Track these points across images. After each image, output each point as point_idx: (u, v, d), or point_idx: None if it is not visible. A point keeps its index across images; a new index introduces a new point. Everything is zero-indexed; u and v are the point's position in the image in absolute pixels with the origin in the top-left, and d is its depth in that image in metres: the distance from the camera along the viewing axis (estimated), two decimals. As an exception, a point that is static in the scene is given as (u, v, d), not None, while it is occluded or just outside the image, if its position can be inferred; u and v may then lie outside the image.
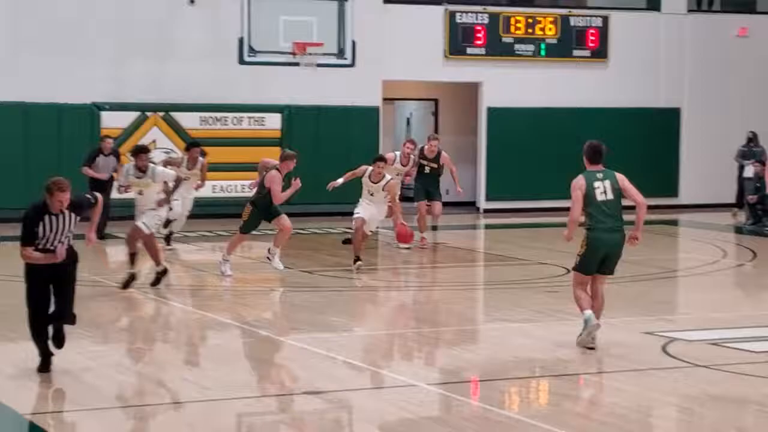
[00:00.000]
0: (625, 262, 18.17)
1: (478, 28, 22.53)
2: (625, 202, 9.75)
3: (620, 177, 9.39)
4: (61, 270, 7.59)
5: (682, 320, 13.04)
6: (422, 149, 17.61)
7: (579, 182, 9.15)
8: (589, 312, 9.22)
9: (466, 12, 22.70)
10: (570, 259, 13.96)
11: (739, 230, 22.08)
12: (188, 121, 20.60)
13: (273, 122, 21.22)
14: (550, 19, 23.11)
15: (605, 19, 23.58)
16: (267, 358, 10.62)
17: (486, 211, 23.26)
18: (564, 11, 23.68)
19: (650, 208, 25.14)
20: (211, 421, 7.79)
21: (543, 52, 22.93)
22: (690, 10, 24.78)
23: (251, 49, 20.54)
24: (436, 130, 23.81)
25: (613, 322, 11.46)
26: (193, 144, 16.02)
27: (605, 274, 9.53)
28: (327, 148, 21.51)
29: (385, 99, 22.55)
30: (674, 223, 22.84)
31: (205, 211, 19.54)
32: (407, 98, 25.50)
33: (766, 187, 21.70)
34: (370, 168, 14.40)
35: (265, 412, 8.11)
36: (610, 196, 9.09)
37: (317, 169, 20.60)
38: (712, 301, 14.58)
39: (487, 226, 22.70)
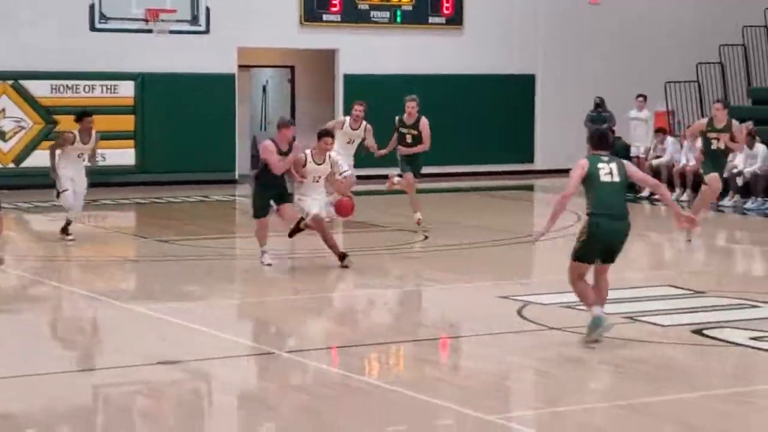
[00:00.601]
0: (481, 228, 19.36)
1: None
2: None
3: (627, 163, 10.02)
4: None
5: (537, 284, 14.86)
6: (401, 117, 18.40)
7: (581, 162, 9.62)
8: (598, 310, 9.65)
9: None
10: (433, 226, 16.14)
11: None
12: (39, 89, 22.32)
13: (126, 90, 23.09)
14: None
15: None
16: (122, 328, 11.44)
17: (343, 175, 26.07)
18: None
19: (506, 173, 25.31)
20: (67, 392, 8.79)
21: (399, 19, 25.27)
22: None
23: (102, 16, 22.05)
24: (292, 98, 26.95)
25: (469, 287, 13.35)
26: (84, 114, 15.87)
27: (607, 263, 9.84)
28: (182, 116, 23.58)
29: (240, 66, 24.45)
30: (530, 188, 25.69)
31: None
32: (263, 65, 27.11)
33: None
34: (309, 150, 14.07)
35: (121, 383, 8.88)
36: (616, 178, 9.51)
37: (173, 137, 23.56)
38: (565, 265, 18.38)
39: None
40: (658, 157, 23.37)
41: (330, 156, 13.86)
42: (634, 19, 27.68)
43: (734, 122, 16.33)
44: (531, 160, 27.26)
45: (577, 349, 10.79)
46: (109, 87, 23.21)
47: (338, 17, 25.06)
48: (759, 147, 22.01)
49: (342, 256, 13.42)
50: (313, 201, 13.29)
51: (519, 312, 11.92)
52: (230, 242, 18.38)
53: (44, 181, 19.07)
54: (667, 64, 26.57)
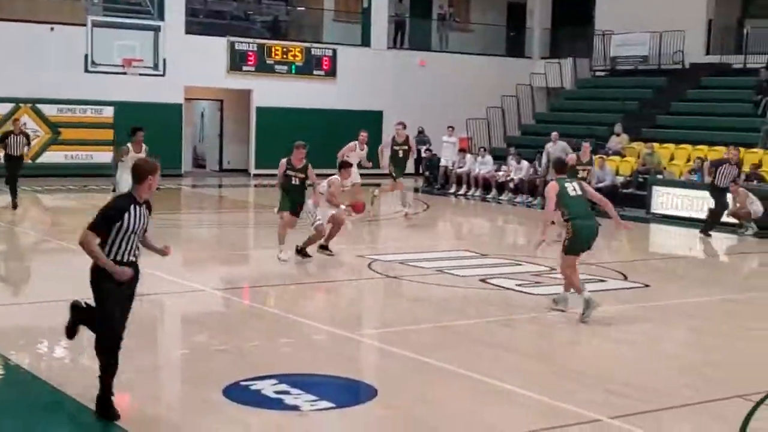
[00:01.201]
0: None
1: (250, 53, 26.48)
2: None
3: (584, 183, 10.41)
4: None
5: (383, 248, 16.10)
6: (393, 137, 18.82)
7: (553, 186, 9.77)
8: (588, 294, 9.64)
9: (242, 42, 26.65)
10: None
11: (417, 191, 25.26)
12: (49, 111, 23.82)
13: (108, 113, 24.45)
14: (299, 49, 27.46)
15: (335, 51, 27.97)
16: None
17: (255, 175, 26.87)
18: (307, 44, 27.80)
19: (362, 176, 25.74)
20: (37, 323, 9.31)
21: (294, 71, 27.16)
22: (389, 47, 29.33)
23: (93, 62, 23.63)
24: (221, 121, 28.35)
25: (337, 249, 13.72)
26: (137, 128, 14.88)
27: (585, 251, 10.00)
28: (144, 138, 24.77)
29: (186, 99, 25.88)
30: (377, 185, 24.37)
31: (59, 172, 22.97)
32: (202, 99, 28.28)
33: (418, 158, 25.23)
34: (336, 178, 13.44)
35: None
36: (579, 192, 9.72)
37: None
38: (403, 236, 17.80)
39: (255, 185, 25.94)
40: (461, 167, 24.53)
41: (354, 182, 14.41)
42: (447, 75, 29.15)
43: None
44: (377, 164, 25.94)
45: (404, 288, 12.21)
46: (96, 110, 24.59)
47: (253, 68, 26.68)
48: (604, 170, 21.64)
49: (325, 247, 12.96)
50: (323, 214, 12.69)
51: (369, 266, 13.17)
52: (176, 216, 19.06)
53: (51, 172, 22.10)
54: (467, 106, 27.73)
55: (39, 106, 23.95)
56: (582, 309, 9.47)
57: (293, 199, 12.43)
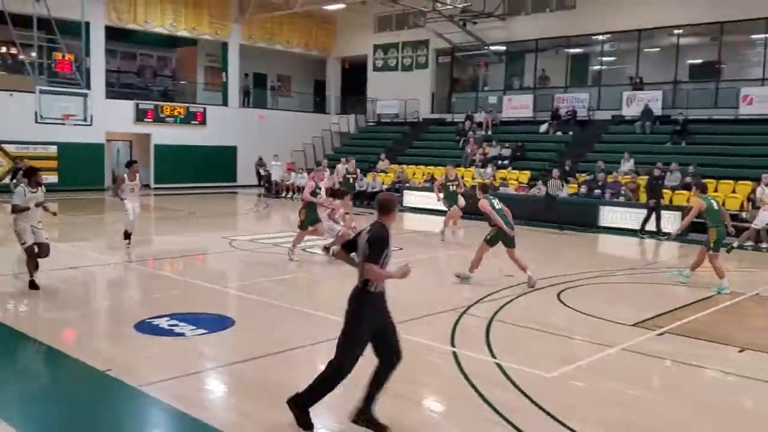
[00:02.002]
0: (223, 211, 20.55)
1: (150, 110, 27.47)
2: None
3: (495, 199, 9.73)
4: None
5: (240, 231, 16.36)
6: (347, 169, 18.28)
7: (485, 203, 9.48)
8: (530, 272, 9.35)
9: (144, 103, 27.57)
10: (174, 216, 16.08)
11: (260, 196, 25.78)
12: (10, 147, 23.60)
13: (52, 150, 24.63)
14: (182, 107, 28.29)
15: (205, 108, 29.07)
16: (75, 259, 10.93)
17: (154, 188, 26.98)
18: (187, 104, 28.76)
19: (221, 186, 28.75)
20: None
21: (179, 121, 28.26)
22: (240, 106, 30.74)
23: (41, 117, 22.02)
24: (131, 155, 27.40)
25: (208, 235, 14.11)
26: (133, 161, 12.69)
27: (510, 247, 9.58)
28: (79, 161, 24.87)
29: (107, 140, 26.32)
30: (235, 193, 27.08)
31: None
32: (117, 140, 28.41)
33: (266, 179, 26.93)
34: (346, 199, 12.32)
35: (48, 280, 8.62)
36: (500, 206, 9.60)
37: (75, 171, 24.54)
38: (253, 224, 18.39)
39: (155, 195, 24.84)
40: (288, 180, 25.51)
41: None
42: (278, 123, 30.85)
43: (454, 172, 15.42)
44: (234, 180, 29.79)
45: (252, 256, 11.88)
46: (44, 148, 24.43)
47: (151, 120, 27.54)
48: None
49: (329, 249, 11.35)
50: (337, 225, 11.47)
51: (230, 243, 13.13)
52: (100, 215, 18.79)
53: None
54: (290, 142, 29.65)
55: (3, 144, 23.79)
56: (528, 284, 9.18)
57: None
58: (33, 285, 8.32)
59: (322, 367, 4.79)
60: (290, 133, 30.09)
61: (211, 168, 28.68)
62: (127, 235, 11.82)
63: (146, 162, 27.60)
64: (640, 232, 16.51)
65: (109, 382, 5.55)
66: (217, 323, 7.29)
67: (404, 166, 24.57)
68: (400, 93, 29.70)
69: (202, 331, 6.99)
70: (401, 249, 11.73)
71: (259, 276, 10.14)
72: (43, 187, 8.68)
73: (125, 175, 11.86)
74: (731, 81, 22.48)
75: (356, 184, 19.39)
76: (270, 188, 26.67)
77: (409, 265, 4.36)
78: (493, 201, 9.46)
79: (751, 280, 11.61)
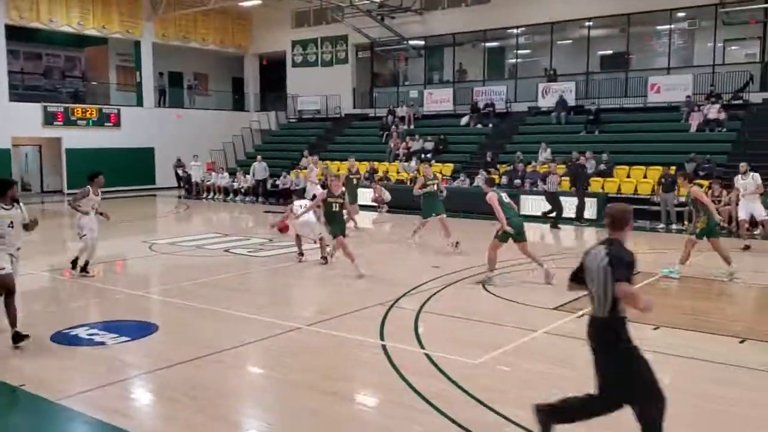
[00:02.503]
0: (145, 214, 20.23)
1: (59, 112, 26.59)
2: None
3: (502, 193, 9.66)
4: None
5: (160, 235, 16.00)
6: (349, 170, 16.96)
7: (493, 196, 9.39)
8: (490, 273, 9.27)
9: (53, 105, 26.66)
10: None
11: (180, 197, 25.16)
12: None
13: None
14: (94, 109, 27.63)
15: (119, 109, 28.28)
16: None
17: (68, 194, 24.62)
18: (99, 106, 27.99)
19: (139, 189, 27.22)
20: None
21: (91, 123, 27.49)
22: (156, 106, 29.96)
23: None
24: (41, 160, 27.65)
25: (127, 240, 13.67)
26: (97, 172, 10.20)
27: (520, 241, 9.48)
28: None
29: (13, 145, 25.53)
30: (154, 195, 26.56)
31: None
32: (26, 144, 27.93)
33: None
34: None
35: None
36: (508, 200, 9.60)
37: None
38: (173, 226, 18.19)
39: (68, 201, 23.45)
40: (208, 181, 25.24)
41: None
42: (195, 123, 30.25)
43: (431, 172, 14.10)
44: (153, 182, 29.22)
45: (173, 259, 11.81)
46: None
47: (62, 123, 26.71)
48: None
49: (326, 258, 10.98)
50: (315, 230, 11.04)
51: (150, 247, 13.04)
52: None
53: None
54: (209, 142, 29.01)
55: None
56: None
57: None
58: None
59: (252, 370, 4.75)
60: (209, 133, 29.74)
61: (128, 171, 27.79)
62: (83, 265, 10.00)
63: (58, 167, 27.32)
64: (579, 220, 16.97)
65: (24, 398, 5.38)
66: (139, 330, 7.18)
67: (328, 162, 23.90)
68: (321, 89, 29.64)
69: (124, 339, 6.88)
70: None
71: (182, 279, 9.95)
72: (20, 204, 6.84)
73: (89, 188, 9.96)
74: (639, 71, 23.44)
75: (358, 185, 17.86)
76: (190, 189, 26.30)
77: (650, 300, 3.86)
78: (501, 195, 9.43)
79: (662, 260, 12.21)
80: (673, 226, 16.70)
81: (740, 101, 21.50)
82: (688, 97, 21.65)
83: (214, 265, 11.08)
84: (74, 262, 10.02)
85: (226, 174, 25.61)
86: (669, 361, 6.38)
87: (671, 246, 14.01)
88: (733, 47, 23.55)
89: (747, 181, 13.71)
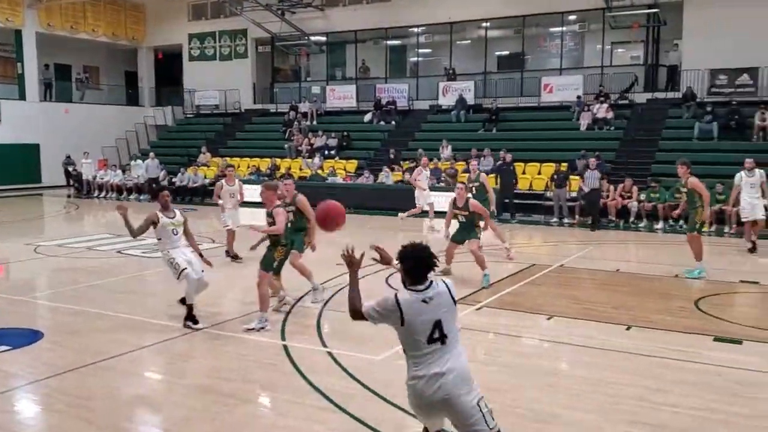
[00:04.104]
0: (27, 210, 20.14)
1: None
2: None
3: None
4: None
5: (47, 236, 15.09)
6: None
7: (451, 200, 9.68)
8: (488, 271, 9.11)
9: None
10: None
11: (70, 197, 24.34)
12: None
13: None
14: None
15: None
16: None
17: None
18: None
19: (23, 189, 27.58)
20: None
21: None
22: (41, 100, 28.39)
23: None
24: None
25: (9, 242, 13.25)
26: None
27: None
28: None
29: None
30: (40, 195, 25.56)
31: None
32: None
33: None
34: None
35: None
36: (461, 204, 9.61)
37: None
38: (62, 227, 17.60)
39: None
40: (101, 179, 24.72)
41: None
42: (86, 118, 28.97)
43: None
44: (39, 181, 28.17)
45: (63, 262, 11.40)
46: None
47: None
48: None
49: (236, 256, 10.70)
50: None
51: (35, 250, 12.64)
52: None
53: None
54: (101, 138, 28.20)
55: None
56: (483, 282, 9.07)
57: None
58: None
59: (146, 375, 4.57)
60: (101, 128, 28.90)
61: (10, 169, 26.71)
62: None
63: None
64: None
65: None
66: (23, 338, 6.90)
67: (227, 158, 24.01)
68: (220, 83, 29.26)
69: (5, 347, 6.59)
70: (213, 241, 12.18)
71: (71, 283, 9.69)
72: None
73: (158, 212, 7.76)
74: (534, 71, 24.47)
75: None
76: (81, 188, 25.59)
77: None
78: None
79: (556, 252, 12.78)
80: (566, 221, 17.44)
81: (626, 101, 22.84)
82: (579, 97, 22.72)
83: (105, 268, 10.83)
84: None
85: (119, 171, 25.16)
86: (562, 350, 6.73)
87: (564, 239, 14.76)
88: (619, 50, 24.99)
89: (754, 178, 12.68)
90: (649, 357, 6.35)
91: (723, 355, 6.39)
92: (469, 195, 10.11)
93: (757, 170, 12.74)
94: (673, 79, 22.83)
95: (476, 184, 12.43)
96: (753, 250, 12.54)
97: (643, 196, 17.13)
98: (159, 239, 7.45)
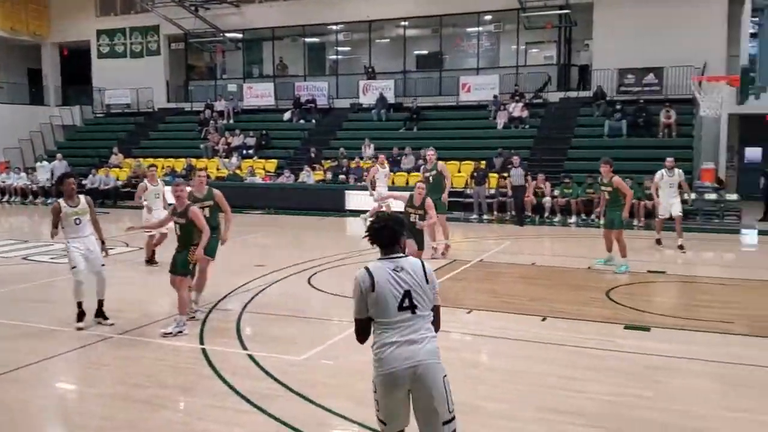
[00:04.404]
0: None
1: None
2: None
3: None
4: None
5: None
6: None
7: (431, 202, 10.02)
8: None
9: None
10: None
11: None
12: None
13: None
14: None
15: None
16: None
17: None
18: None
19: None
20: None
21: None
22: None
23: None
24: None
25: None
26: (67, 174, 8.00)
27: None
28: None
29: None
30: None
31: None
32: None
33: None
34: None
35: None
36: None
37: None
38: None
39: None
40: (4, 182, 24.01)
41: None
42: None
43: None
44: None
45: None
46: None
47: None
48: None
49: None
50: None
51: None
52: None
53: None
54: (3, 140, 27.57)
55: None
56: None
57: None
58: None
59: (57, 386, 4.36)
60: (2, 129, 27.74)
61: None
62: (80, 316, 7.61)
63: None
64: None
65: None
66: None
67: (141, 159, 23.60)
68: (131, 81, 28.64)
69: None
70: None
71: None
72: None
73: (60, 201, 7.58)
74: (452, 71, 25.07)
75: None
76: None
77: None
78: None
79: (476, 248, 13.13)
80: (485, 217, 17.90)
81: (540, 100, 23.70)
82: (495, 96, 23.37)
83: (11, 275, 10.50)
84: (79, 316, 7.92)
85: (23, 173, 24.55)
86: (481, 342, 6.95)
87: (484, 235, 15.15)
88: (533, 50, 25.88)
89: (673, 178, 13.04)
90: (564, 346, 6.59)
91: (633, 342, 6.68)
92: (427, 193, 10.35)
93: (676, 169, 13.12)
94: (584, 79, 23.83)
95: (433, 173, 12.43)
96: (659, 242, 13.25)
97: (556, 192, 17.75)
98: (62, 228, 7.38)
